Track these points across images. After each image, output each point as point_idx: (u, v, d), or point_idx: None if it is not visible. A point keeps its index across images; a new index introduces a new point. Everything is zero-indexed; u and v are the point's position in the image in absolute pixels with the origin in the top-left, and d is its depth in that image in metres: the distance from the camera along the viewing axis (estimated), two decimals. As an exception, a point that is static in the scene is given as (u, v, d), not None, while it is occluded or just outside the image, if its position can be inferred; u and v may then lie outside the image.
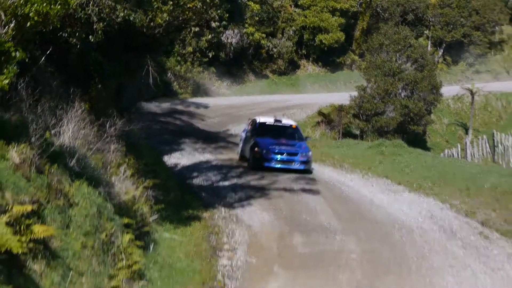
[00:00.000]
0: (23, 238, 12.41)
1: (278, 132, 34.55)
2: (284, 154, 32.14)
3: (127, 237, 16.29)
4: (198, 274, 17.55)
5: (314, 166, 33.98)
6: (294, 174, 31.66)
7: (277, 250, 20.36)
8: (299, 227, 22.51)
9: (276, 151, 32.16)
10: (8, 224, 12.24)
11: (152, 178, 20.98)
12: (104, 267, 14.93)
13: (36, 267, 13.02)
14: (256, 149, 32.08)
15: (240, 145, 36.49)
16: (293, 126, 35.96)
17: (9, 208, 12.62)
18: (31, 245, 12.67)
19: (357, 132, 49.45)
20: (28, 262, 12.85)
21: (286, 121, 37.03)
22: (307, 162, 32.29)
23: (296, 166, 31.89)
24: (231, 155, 36.59)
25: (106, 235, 15.52)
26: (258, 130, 34.23)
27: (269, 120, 35.87)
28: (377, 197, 27.36)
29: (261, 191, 27.69)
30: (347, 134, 49.76)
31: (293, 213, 24.58)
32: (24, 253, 12.49)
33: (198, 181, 29.58)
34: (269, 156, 31.80)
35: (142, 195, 19.45)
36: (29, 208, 12.96)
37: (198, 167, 32.20)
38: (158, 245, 18.76)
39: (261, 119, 35.70)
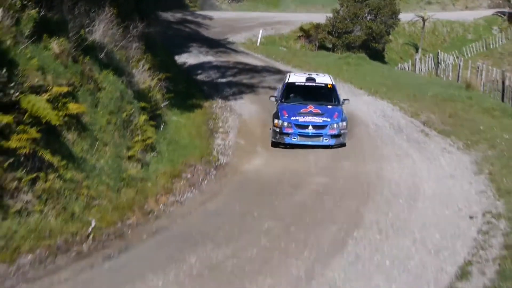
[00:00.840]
0: (60, 113, 12.40)
1: (310, 94, 22.05)
2: (309, 128, 20.28)
3: (143, 117, 16.28)
4: (197, 150, 17.63)
5: (295, 70, 33.54)
6: (279, 75, 31.29)
7: (260, 135, 20.43)
8: (279, 118, 22.48)
9: (299, 123, 20.31)
10: (48, 101, 12.20)
11: (165, 72, 20.86)
12: (124, 140, 14.98)
13: (70, 136, 13.04)
14: (276, 120, 20.43)
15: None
16: (329, 86, 22.66)
17: (50, 88, 12.56)
18: (66, 119, 12.69)
19: (330, 46, 49.04)
20: (63, 132, 12.86)
21: (321, 80, 23.07)
22: (338, 136, 20.30)
23: (324, 142, 20.15)
24: (228, 58, 36.29)
25: (126, 115, 15.52)
26: (284, 92, 22.04)
27: (299, 79, 22.89)
28: (342, 97, 27.28)
29: (251, 88, 27.63)
30: (321, 47, 49.36)
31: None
32: (61, 125, 12.51)
33: (201, 77, 29.49)
34: (290, 130, 20.09)
35: (156, 85, 19.38)
36: (65, 89, 12.91)
37: (202, 66, 32.04)
38: (167, 125, 18.78)
39: (290, 78, 22.99)
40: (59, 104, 12.51)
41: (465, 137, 20.30)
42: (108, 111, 14.71)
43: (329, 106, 21.16)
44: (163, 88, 19.84)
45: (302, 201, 14.53)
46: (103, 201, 12.66)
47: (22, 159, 11.33)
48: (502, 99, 29.79)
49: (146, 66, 19.53)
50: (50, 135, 12.24)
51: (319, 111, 20.64)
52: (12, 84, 11.72)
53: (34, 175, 11.48)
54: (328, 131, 20.10)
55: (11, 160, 11.06)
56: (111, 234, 11.82)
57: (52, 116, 12.00)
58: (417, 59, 48.75)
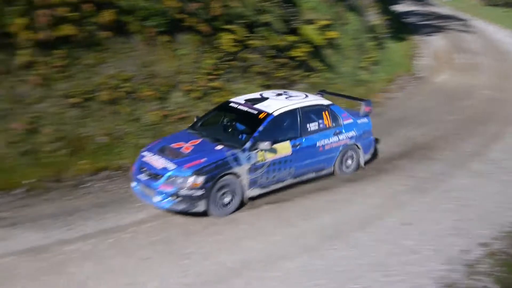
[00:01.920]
0: (323, 38, 11.99)
1: (233, 122, 7.11)
2: (144, 175, 6.22)
3: (371, 43, 15.29)
4: (404, 66, 16.22)
5: (470, 18, 29.38)
6: (460, 21, 27.65)
7: (446, 60, 18.26)
8: (459, 49, 20.04)
9: (141, 163, 6.38)
10: (316, 29, 11.78)
11: (386, 15, 19.21)
12: (359, 55, 14.15)
13: (328, 52, 12.54)
14: None
15: None
16: (260, 116, 6.61)
17: (317, 21, 12.09)
18: (326, 41, 12.18)
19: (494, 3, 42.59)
20: (323, 49, 12.33)
21: (264, 105, 6.86)
22: (177, 197, 5.93)
23: (153, 200, 6.05)
24: (426, 9, 32.58)
25: (361, 41, 14.55)
26: (208, 115, 7.42)
27: (241, 99, 7.29)
28: (504, 38, 23.65)
29: (440, 28, 24.75)
30: (488, 4, 42.93)
31: (457, 42, 21.84)
32: (322, 45, 12.03)
33: (408, 20, 26.93)
34: (134, 172, 6.44)
35: (381, 23, 17.91)
36: (326, 22, 12.47)
37: (409, 13, 29.17)
38: (386, 49, 17.43)
39: (238, 97, 7.46)
40: (322, 32, 12.05)
41: None
42: (350, 38, 13.95)
43: (218, 147, 6.54)
44: (384, 25, 18.29)
45: (472, 104, 12.81)
46: (347, 92, 12.11)
47: (299, 64, 11.11)
48: None
49: (375, 11, 18.05)
50: (316, 50, 11.85)
51: (187, 151, 6.51)
52: (295, 18, 11.41)
53: (306, 73, 11.26)
54: (160, 185, 6.17)
55: (294, 64, 10.87)
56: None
57: (317, 39, 11.72)
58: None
